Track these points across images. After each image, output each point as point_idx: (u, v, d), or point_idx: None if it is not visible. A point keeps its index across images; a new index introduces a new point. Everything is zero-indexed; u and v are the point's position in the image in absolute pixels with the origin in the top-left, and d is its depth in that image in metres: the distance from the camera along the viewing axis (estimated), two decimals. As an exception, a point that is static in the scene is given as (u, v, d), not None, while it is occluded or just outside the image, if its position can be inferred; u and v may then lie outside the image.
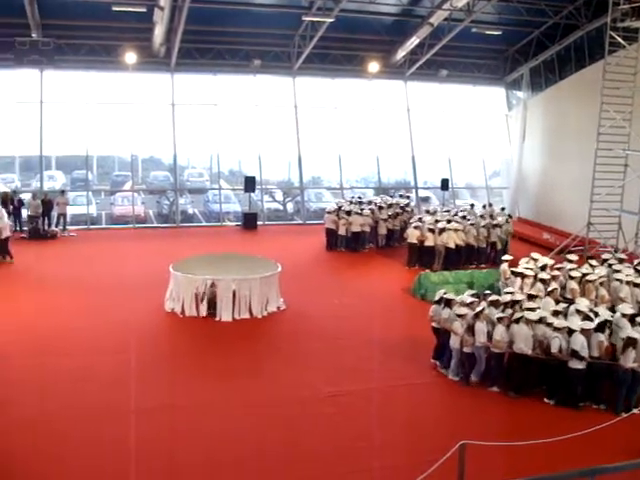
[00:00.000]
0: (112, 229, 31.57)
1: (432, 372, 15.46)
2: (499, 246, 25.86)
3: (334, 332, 17.88)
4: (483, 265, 24.93)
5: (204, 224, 33.32)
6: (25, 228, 29.04)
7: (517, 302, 15.22)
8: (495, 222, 26.35)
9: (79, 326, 17.70)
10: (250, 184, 31.38)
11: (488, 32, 31.28)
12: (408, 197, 32.44)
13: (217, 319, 18.34)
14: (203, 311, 18.50)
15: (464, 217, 26.63)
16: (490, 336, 14.26)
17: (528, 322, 14.15)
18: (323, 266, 25.49)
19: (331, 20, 28.68)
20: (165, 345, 17.08)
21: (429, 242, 24.36)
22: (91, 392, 13.81)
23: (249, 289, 18.57)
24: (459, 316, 14.62)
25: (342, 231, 27.19)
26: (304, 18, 29.57)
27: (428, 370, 15.55)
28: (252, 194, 32.12)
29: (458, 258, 24.57)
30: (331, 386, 14.46)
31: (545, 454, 11.15)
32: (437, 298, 15.76)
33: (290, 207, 35.75)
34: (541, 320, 14.22)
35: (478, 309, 14.62)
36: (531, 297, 15.59)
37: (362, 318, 18.94)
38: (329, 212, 27.88)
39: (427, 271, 22.84)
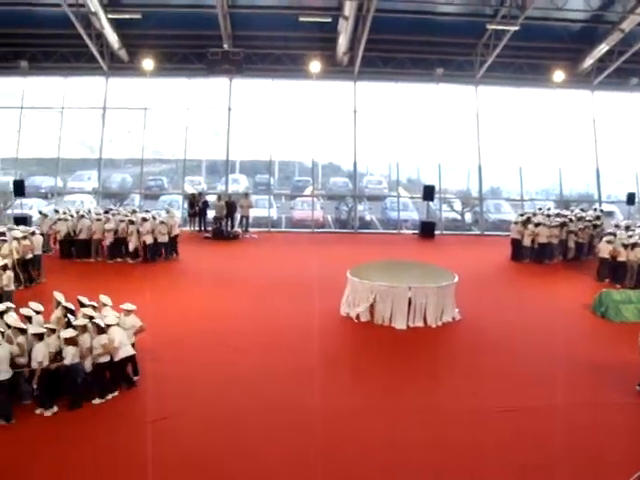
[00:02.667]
0: (291, 232, 32.34)
1: (619, 393, 14.57)
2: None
3: (510, 345, 17.38)
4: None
5: (381, 231, 33.49)
6: (209, 228, 30.37)
7: None
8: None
9: (258, 324, 18.33)
10: (429, 193, 31.24)
11: (688, 37, 29.59)
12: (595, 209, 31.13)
13: (391, 326, 18.34)
14: (377, 317, 18.54)
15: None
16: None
17: None
18: (503, 277, 24.93)
19: (516, 28, 28.01)
20: (339, 348, 17.22)
21: (622, 257, 23.32)
22: (270, 389, 14.24)
23: (425, 297, 18.40)
24: None
25: (527, 242, 26.58)
26: (488, 26, 29.12)
27: (613, 391, 14.66)
28: (430, 203, 32.00)
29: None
30: (504, 400, 14.04)
31: None
32: None
33: (468, 217, 35.27)
34: None
35: None
36: None
37: (539, 332, 18.25)
38: (515, 222, 27.43)
39: (609, 289, 21.79)
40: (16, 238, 21.44)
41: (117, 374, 13.95)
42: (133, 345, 14.34)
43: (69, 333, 13.11)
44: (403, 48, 31.75)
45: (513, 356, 16.65)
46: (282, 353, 16.32)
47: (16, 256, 20.91)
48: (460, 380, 15.24)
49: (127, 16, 28.57)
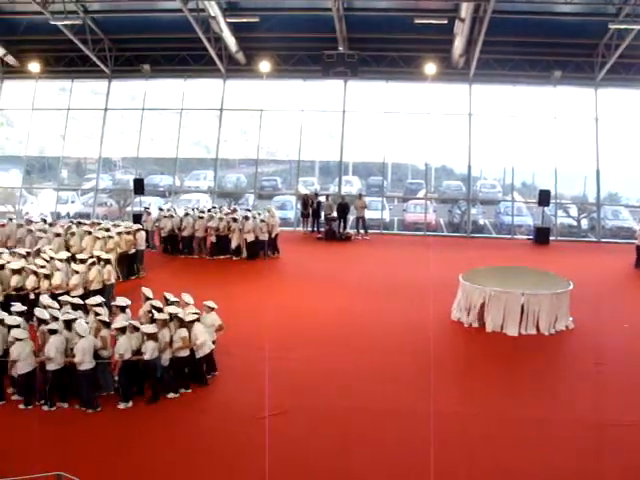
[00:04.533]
0: (403, 235, 32.34)
1: None
2: None
3: (628, 357, 16.72)
4: None
5: (494, 236, 33.10)
6: (322, 229, 30.64)
7: None
8: None
9: (366, 325, 18.49)
10: (544, 198, 30.50)
11: None
12: None
13: (503, 332, 18.02)
14: (489, 323, 18.28)
15: None
16: None
17: None
18: (623, 285, 23.97)
19: (640, 27, 27.15)
20: (449, 353, 17.02)
21: None
22: (376, 391, 14.31)
23: (538, 304, 18.01)
24: None
25: (652, 249, 25.69)
26: (611, 26, 28.15)
27: None
28: (545, 208, 31.30)
29: None
30: (623, 414, 13.50)
31: None
32: None
33: (584, 224, 34.32)
34: None
35: None
36: None
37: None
38: None
39: None
40: (119, 233, 22.52)
41: (195, 370, 14.23)
42: (213, 343, 14.64)
43: (150, 329, 13.53)
44: (519, 50, 31.04)
45: (632, 368, 16.06)
46: (390, 356, 16.32)
47: (119, 251, 21.97)
48: (576, 391, 14.81)
49: (245, 20, 29.30)
